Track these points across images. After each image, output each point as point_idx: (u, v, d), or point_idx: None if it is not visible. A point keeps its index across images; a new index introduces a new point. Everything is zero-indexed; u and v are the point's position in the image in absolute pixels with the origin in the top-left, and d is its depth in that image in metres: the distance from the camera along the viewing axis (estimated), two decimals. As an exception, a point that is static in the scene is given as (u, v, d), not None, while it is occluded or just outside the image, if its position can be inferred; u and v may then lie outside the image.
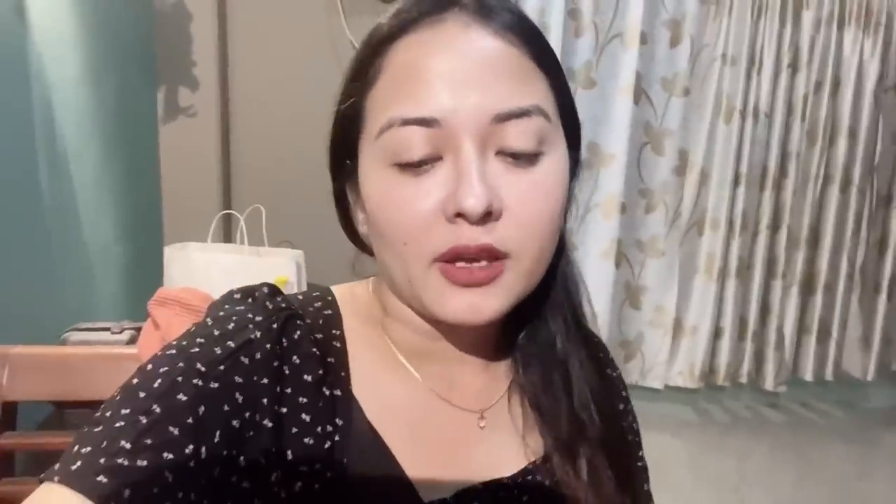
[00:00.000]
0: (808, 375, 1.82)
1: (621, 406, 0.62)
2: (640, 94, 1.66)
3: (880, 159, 1.79)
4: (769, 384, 1.80)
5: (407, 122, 0.43)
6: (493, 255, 0.44)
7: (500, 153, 0.44)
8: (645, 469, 0.62)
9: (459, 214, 0.43)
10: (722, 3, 1.65)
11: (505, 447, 0.52)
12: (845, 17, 1.70)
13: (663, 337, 1.78)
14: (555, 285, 0.53)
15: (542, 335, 0.54)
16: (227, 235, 1.49)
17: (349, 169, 0.50)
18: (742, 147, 1.69)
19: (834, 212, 1.77)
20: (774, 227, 1.76)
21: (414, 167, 0.44)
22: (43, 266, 1.03)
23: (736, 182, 1.70)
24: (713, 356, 1.78)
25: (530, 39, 0.46)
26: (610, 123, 1.67)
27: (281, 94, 1.50)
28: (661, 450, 1.91)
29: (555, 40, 1.58)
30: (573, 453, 0.51)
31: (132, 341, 0.91)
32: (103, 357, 0.79)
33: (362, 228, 0.52)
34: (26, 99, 0.97)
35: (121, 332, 0.90)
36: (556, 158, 0.46)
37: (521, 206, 0.44)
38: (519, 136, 0.44)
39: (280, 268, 1.24)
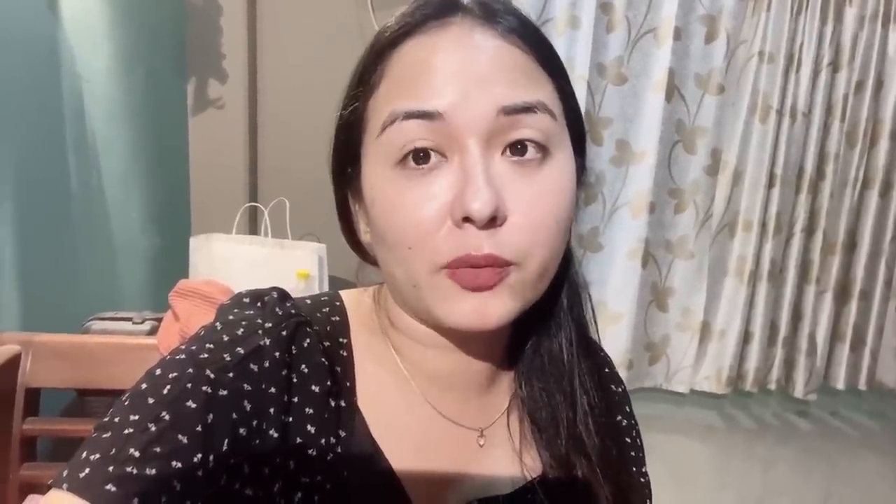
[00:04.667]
0: (840, 384, 1.76)
1: (623, 422, 0.60)
2: (672, 91, 1.62)
3: (924, 163, 1.72)
4: (799, 392, 1.75)
5: (410, 116, 0.42)
6: (500, 263, 0.43)
7: (506, 152, 0.43)
8: (647, 486, 0.60)
9: (466, 218, 0.41)
10: (760, -2, 1.60)
11: (503, 465, 0.52)
12: (891, 14, 1.63)
13: (690, 340, 1.75)
14: (559, 297, 0.52)
15: (545, 349, 0.53)
16: (252, 227, 1.50)
17: (350, 176, 0.49)
18: (778, 147, 1.64)
19: (872, 216, 1.71)
20: (809, 231, 1.71)
21: (418, 165, 0.43)
22: (69, 255, 1.04)
23: (770, 183, 1.66)
24: (741, 361, 1.74)
25: (535, 43, 0.46)
26: (640, 121, 1.64)
27: (308, 87, 1.50)
28: (685, 455, 1.89)
29: (586, 35, 1.55)
30: (570, 470, 0.50)
31: (153, 332, 0.92)
32: (124, 347, 0.80)
33: (365, 237, 0.51)
34: (57, 90, 0.99)
35: (142, 323, 0.91)
36: (562, 160, 0.45)
37: (528, 210, 0.43)
38: (525, 132, 0.43)
39: (302, 261, 1.24)
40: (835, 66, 1.64)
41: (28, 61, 0.91)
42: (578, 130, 0.49)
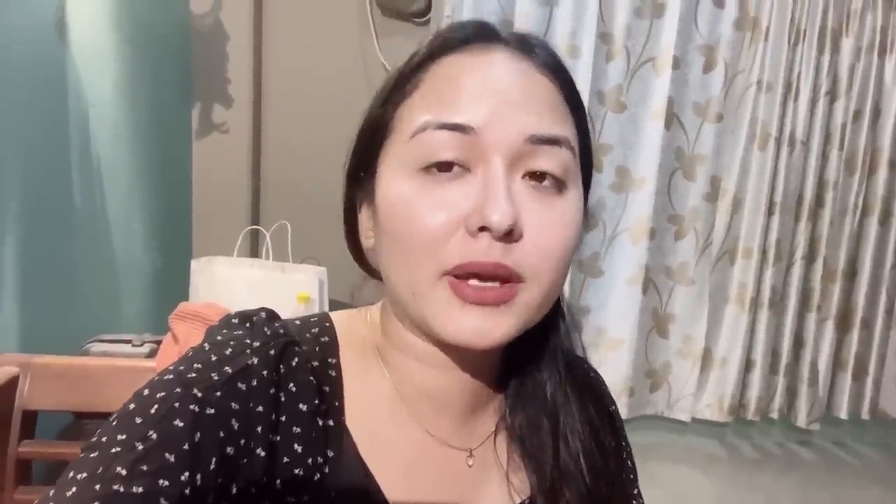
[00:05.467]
0: (843, 413, 1.75)
1: (613, 443, 0.60)
2: (671, 118, 1.64)
3: (923, 191, 1.73)
4: (802, 421, 1.73)
5: (443, 127, 0.43)
6: (507, 277, 0.43)
7: (526, 177, 0.45)
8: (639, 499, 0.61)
9: (483, 228, 0.42)
10: (758, 28, 1.62)
11: (492, 486, 0.52)
12: (887, 45, 1.66)
13: (692, 367, 1.74)
14: (550, 323, 0.53)
15: (534, 375, 0.53)
16: (253, 250, 1.50)
17: (363, 180, 0.50)
18: (777, 175, 1.65)
19: (872, 244, 1.71)
20: (810, 259, 1.71)
21: (440, 171, 0.44)
22: (71, 276, 1.05)
23: (770, 210, 1.66)
24: (743, 389, 1.72)
25: (564, 80, 0.48)
26: (640, 148, 1.65)
27: (312, 113, 1.51)
28: (686, 484, 1.86)
29: (585, 64, 1.57)
30: (556, 496, 0.51)
31: (152, 354, 0.92)
32: (122, 369, 0.80)
33: (367, 242, 0.51)
34: (63, 113, 1.00)
35: (141, 345, 0.91)
36: (575, 195, 0.47)
37: (542, 233, 0.44)
38: (547, 162, 0.45)
39: (303, 284, 1.24)
40: (832, 96, 1.66)
41: (35, 84, 0.93)
42: (588, 169, 0.52)
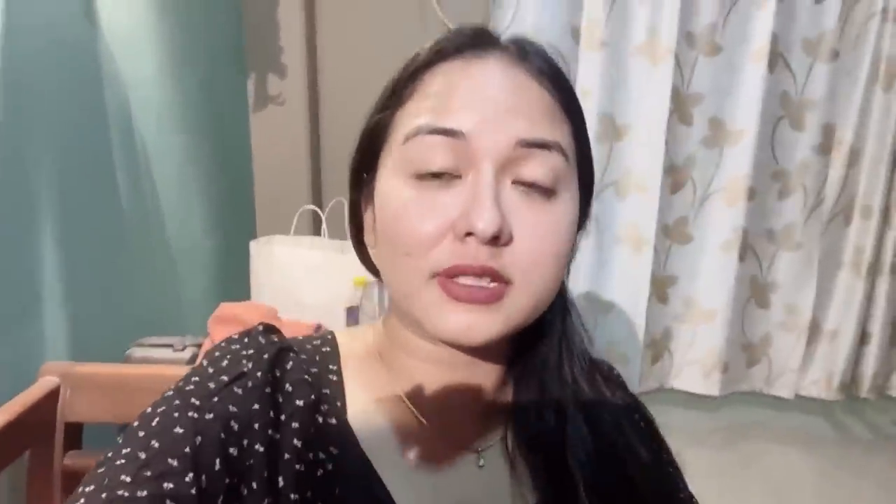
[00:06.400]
0: (979, 391, 1.53)
1: (631, 435, 0.57)
2: (776, 59, 1.42)
3: None
4: (927, 399, 1.53)
5: (434, 132, 0.45)
6: (495, 280, 0.44)
7: (517, 182, 0.45)
8: (691, 499, 0.60)
9: (469, 234, 0.43)
10: (886, -56, 1.36)
11: (502, 487, 0.52)
12: None
13: (796, 341, 1.56)
14: (554, 324, 0.54)
15: (541, 373, 0.54)
16: (315, 228, 1.45)
17: (366, 181, 0.51)
18: (905, 120, 1.40)
19: None
20: (943, 216, 1.47)
21: (432, 178, 0.45)
22: (121, 273, 1.02)
23: (895, 162, 1.43)
24: (857, 365, 1.54)
25: (561, 87, 0.49)
26: (737, 95, 1.45)
27: (369, 79, 1.41)
28: (787, 468, 1.70)
29: (672, 1, 1.37)
30: (567, 498, 0.50)
31: (193, 359, 0.89)
32: (162, 377, 0.76)
33: (369, 240, 0.53)
34: (99, 101, 0.96)
35: (183, 350, 0.88)
36: (568, 201, 0.48)
37: (530, 239, 0.45)
38: (537, 167, 0.45)
39: (361, 266, 1.19)
40: (981, 20, 1.37)
41: (66, 72, 0.88)
42: (588, 179, 0.52)
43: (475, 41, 0.49)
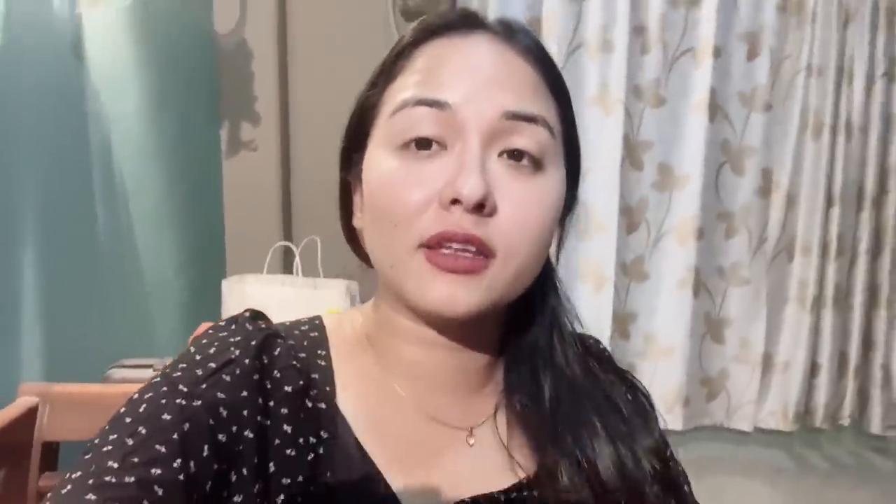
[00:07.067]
0: (923, 418, 1.61)
1: (628, 407, 0.57)
2: (715, 110, 1.55)
3: None
4: (876, 427, 1.61)
5: (420, 103, 0.45)
6: (480, 250, 0.44)
7: (503, 155, 0.46)
8: (683, 473, 0.59)
9: (455, 201, 0.43)
10: (804, 11, 1.53)
11: (494, 465, 0.51)
12: (949, 18, 1.54)
13: (751, 373, 1.63)
14: (541, 301, 0.54)
15: (531, 356, 0.54)
16: (284, 267, 1.47)
17: (355, 161, 0.52)
18: (834, 164, 1.54)
19: (945, 233, 1.58)
20: (875, 252, 1.59)
21: (419, 149, 0.45)
22: (97, 300, 1.03)
23: (829, 203, 1.55)
24: (809, 395, 1.61)
25: (547, 67, 0.50)
26: (682, 143, 1.57)
27: (339, 128, 1.48)
28: (749, 499, 1.74)
29: (620, 58, 1.50)
30: (556, 472, 0.50)
31: (175, 378, 0.89)
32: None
33: (358, 222, 0.53)
34: (83, 134, 0.99)
35: (164, 370, 0.87)
36: (554, 177, 0.48)
37: (515, 210, 0.45)
38: (523, 139, 0.46)
39: (334, 299, 1.21)
40: (890, 77, 1.55)
41: (53, 106, 0.92)
42: (574, 163, 0.52)
43: (463, 20, 0.49)
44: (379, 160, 0.47)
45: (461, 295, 0.44)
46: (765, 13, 1.55)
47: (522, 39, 0.49)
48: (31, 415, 0.74)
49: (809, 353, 1.58)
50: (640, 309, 1.63)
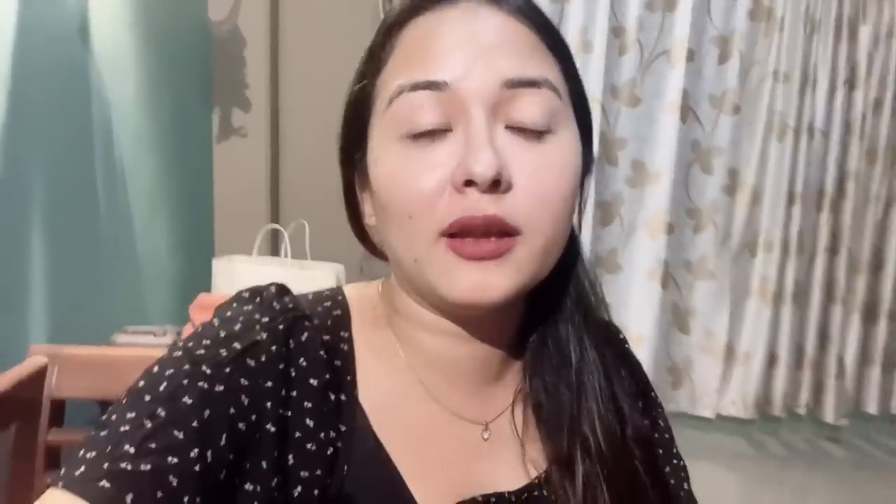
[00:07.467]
0: (873, 409, 1.71)
1: (640, 403, 0.57)
2: (687, 111, 1.63)
3: (949, 179, 1.69)
4: (830, 416, 1.70)
5: (416, 87, 0.43)
6: (503, 230, 0.42)
7: (510, 127, 0.43)
8: (683, 469, 0.59)
9: (469, 183, 0.41)
10: (773, 19, 1.61)
11: (509, 460, 0.50)
12: (906, 31, 1.63)
13: (714, 363, 1.71)
14: (567, 287, 0.52)
15: (552, 341, 0.51)
16: (272, 249, 1.52)
17: (358, 160, 0.49)
18: (796, 166, 1.63)
19: (898, 234, 1.68)
20: (833, 250, 1.68)
21: (423, 136, 0.43)
22: (98, 273, 1.08)
23: (790, 202, 1.64)
24: (768, 385, 1.69)
25: (541, 24, 0.46)
26: (655, 141, 1.65)
27: (329, 114, 1.53)
28: (712, 483, 1.81)
29: (598, 58, 1.57)
30: (572, 468, 0.49)
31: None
32: (146, 359, 0.81)
33: (370, 220, 0.51)
34: (87, 114, 1.03)
35: (164, 335, 0.93)
36: (566, 138, 0.45)
37: (532, 181, 0.43)
38: (529, 106, 0.43)
39: (321, 281, 1.26)
40: (851, 85, 1.63)
41: (60, 86, 0.96)
42: (585, 118, 0.49)
43: None
44: (383, 154, 0.45)
45: (492, 280, 0.42)
46: (736, 19, 1.63)
47: (511, 2, 0.46)
48: (40, 374, 0.78)
49: (769, 345, 1.67)
50: (614, 299, 1.70)
